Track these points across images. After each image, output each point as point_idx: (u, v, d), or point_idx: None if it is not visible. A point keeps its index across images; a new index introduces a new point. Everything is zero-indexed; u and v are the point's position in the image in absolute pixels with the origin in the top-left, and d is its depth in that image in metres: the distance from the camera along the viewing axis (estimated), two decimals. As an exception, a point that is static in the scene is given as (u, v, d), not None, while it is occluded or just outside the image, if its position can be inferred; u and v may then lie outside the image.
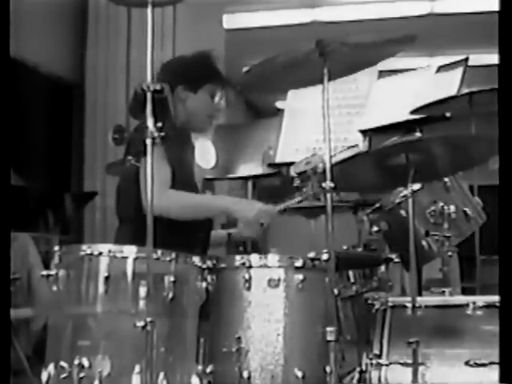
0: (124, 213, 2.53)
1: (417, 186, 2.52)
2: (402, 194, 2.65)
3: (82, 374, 1.91)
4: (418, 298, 2.31)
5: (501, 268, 1.74)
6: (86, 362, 1.92)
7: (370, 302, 2.45)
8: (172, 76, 2.54)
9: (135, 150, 2.31)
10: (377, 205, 2.83)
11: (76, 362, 1.92)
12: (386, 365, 2.24)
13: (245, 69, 2.26)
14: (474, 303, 2.28)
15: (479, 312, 2.27)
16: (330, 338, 2.07)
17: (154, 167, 2.09)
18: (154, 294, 1.92)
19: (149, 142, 1.99)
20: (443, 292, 2.50)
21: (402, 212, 2.66)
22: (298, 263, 2.16)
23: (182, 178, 2.45)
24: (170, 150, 2.36)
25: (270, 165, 3.31)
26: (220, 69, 2.61)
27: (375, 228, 2.77)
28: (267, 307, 2.13)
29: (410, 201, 2.30)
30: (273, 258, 2.18)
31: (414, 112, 2.94)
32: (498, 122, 1.83)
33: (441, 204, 2.64)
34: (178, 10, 5.29)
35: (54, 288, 2.04)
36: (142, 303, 1.95)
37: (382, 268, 3.03)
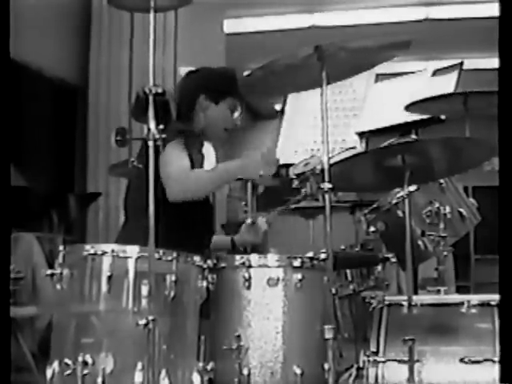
0: (133, 210, 2.57)
1: (413, 187, 2.56)
2: (398, 195, 2.67)
3: (85, 371, 1.94)
4: (414, 297, 2.33)
5: (500, 267, 1.77)
6: (89, 359, 1.95)
7: (367, 300, 2.47)
8: (195, 84, 2.60)
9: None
10: (374, 205, 2.85)
11: (80, 359, 1.94)
12: (383, 362, 2.26)
13: (245, 73, 2.30)
14: (469, 302, 2.29)
15: (473, 310, 2.29)
16: (328, 335, 2.10)
17: (175, 155, 2.27)
18: (155, 292, 1.96)
19: (151, 143, 2.03)
20: (438, 291, 2.52)
21: (399, 212, 2.67)
22: (297, 263, 2.20)
23: None
24: (189, 149, 2.44)
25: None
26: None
27: (372, 228, 2.78)
28: (266, 306, 2.17)
29: (407, 201, 2.32)
30: (272, 258, 2.21)
31: (408, 108, 2.95)
32: (496, 124, 1.86)
33: (436, 205, 2.65)
34: (180, 15, 5.32)
35: (58, 287, 2.07)
36: (143, 302, 1.98)
37: (379, 267, 3.06)
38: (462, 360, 2.20)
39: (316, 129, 3.16)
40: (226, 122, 2.64)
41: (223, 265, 2.21)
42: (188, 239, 2.37)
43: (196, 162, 2.58)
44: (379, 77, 3.29)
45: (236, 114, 2.65)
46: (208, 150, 3.73)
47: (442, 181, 2.70)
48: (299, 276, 2.18)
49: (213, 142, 2.78)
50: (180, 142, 2.42)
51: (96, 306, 2.02)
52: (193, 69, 2.73)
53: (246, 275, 2.17)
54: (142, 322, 1.91)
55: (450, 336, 2.28)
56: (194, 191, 2.38)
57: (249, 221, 2.76)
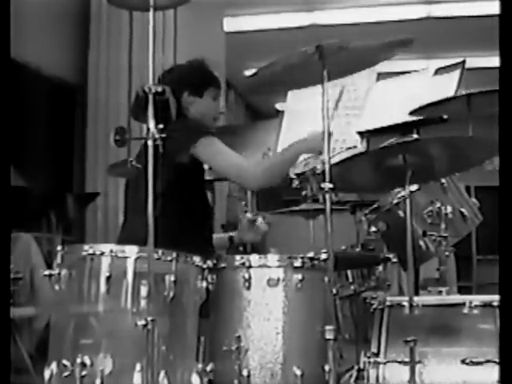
0: (132, 210, 2.56)
1: (414, 187, 2.55)
2: (399, 195, 2.67)
3: (83, 372, 1.93)
4: (416, 298, 2.33)
5: (501, 267, 1.75)
6: (87, 361, 1.94)
7: (368, 301, 2.47)
8: (174, 84, 2.61)
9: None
10: (375, 205, 2.85)
11: (78, 360, 1.93)
12: (384, 363, 2.26)
13: (248, 73, 2.30)
14: (471, 302, 2.29)
15: (475, 311, 2.28)
16: (328, 336, 2.10)
17: (224, 152, 2.41)
18: (154, 293, 1.95)
19: (150, 143, 2.02)
20: (440, 291, 2.51)
21: (400, 212, 2.67)
22: (297, 263, 2.19)
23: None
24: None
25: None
26: (216, 73, 2.75)
27: (373, 228, 2.78)
28: (267, 306, 2.16)
29: (408, 201, 2.32)
30: (272, 258, 2.21)
31: (412, 113, 2.96)
32: (497, 123, 1.85)
33: (438, 204, 2.65)
34: (179, 13, 5.32)
35: (57, 287, 2.06)
36: (143, 302, 1.98)
37: (380, 268, 3.06)
38: (463, 361, 2.19)
39: (317, 128, 3.14)
40: (212, 112, 2.71)
41: (223, 265, 2.21)
42: (189, 238, 2.37)
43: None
44: (381, 76, 3.27)
45: (220, 102, 2.72)
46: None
47: (443, 180, 2.70)
48: (299, 276, 2.18)
49: None
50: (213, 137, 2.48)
51: (95, 306, 2.02)
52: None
53: (246, 275, 2.17)
54: (141, 322, 1.90)
55: (452, 337, 2.27)
56: (276, 176, 2.49)
57: (249, 215, 2.76)
